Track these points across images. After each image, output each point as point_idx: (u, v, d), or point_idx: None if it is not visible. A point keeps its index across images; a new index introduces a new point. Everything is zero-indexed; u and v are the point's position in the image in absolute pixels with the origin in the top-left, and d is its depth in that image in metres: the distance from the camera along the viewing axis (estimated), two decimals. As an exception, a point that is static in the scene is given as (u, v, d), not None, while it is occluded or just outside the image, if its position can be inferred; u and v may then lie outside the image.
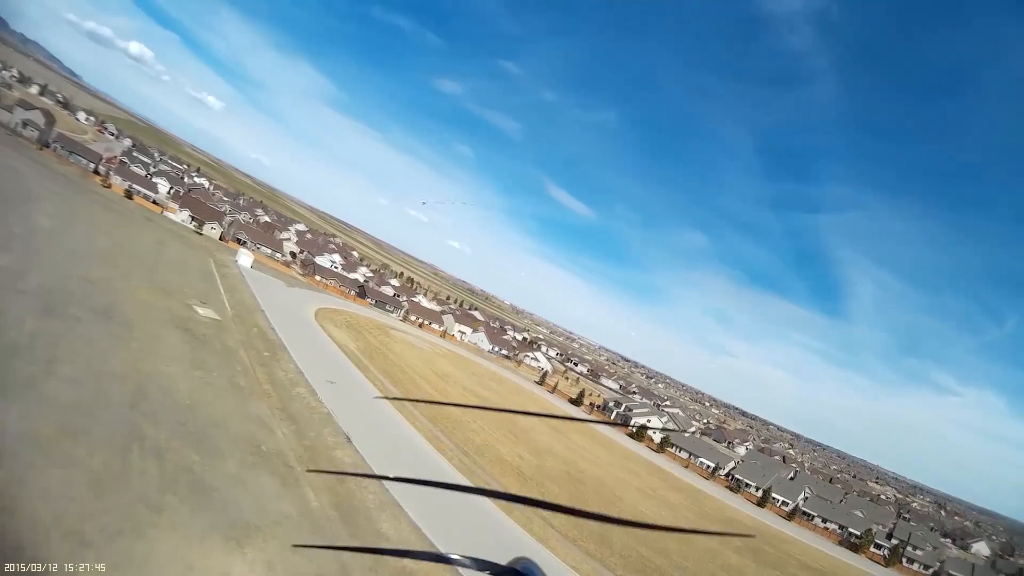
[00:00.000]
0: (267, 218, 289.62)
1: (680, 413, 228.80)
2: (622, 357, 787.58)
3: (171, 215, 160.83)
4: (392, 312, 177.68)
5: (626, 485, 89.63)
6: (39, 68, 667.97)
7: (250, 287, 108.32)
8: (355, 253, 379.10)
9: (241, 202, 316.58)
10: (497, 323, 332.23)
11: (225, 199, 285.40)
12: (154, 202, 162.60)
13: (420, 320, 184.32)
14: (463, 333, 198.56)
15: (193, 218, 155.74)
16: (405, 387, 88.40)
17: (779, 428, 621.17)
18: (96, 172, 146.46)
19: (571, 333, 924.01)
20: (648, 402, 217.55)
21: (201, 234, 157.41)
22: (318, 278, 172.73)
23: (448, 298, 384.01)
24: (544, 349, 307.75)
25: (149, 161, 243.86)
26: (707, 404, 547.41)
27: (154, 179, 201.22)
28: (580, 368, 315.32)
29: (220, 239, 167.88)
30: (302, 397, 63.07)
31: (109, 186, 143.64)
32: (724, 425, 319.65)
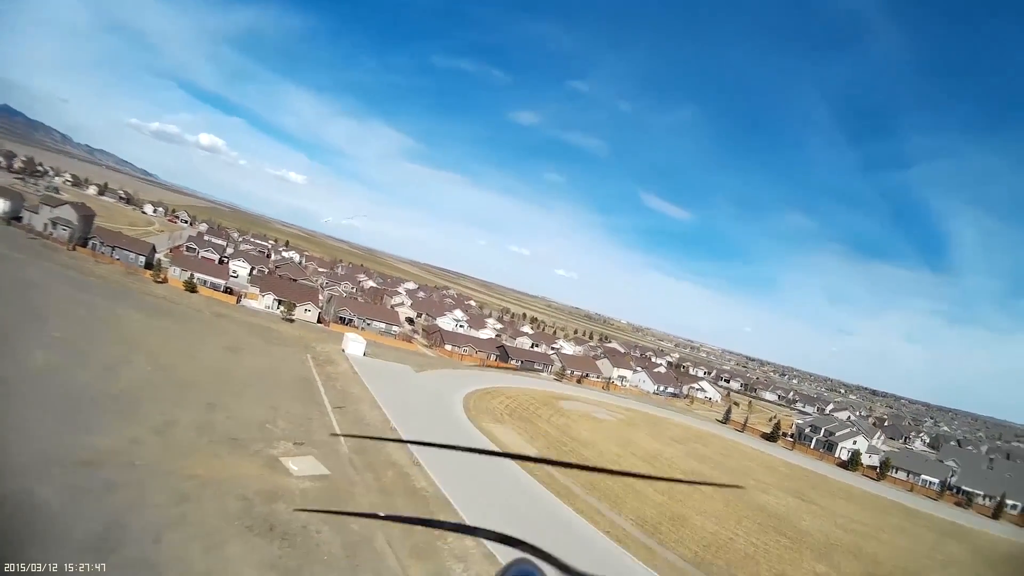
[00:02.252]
0: (371, 283, 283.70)
1: (850, 416, 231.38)
2: (747, 357, 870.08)
3: (252, 303, 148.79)
4: (542, 370, 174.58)
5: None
6: (108, 173, 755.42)
7: (368, 389, 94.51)
8: (472, 302, 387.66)
9: (340, 271, 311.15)
10: (637, 350, 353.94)
11: (321, 270, 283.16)
12: (227, 291, 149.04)
13: (576, 373, 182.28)
14: (623, 378, 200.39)
15: (280, 302, 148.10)
16: (633, 508, 70.74)
17: (910, 401, 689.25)
18: (148, 267, 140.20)
19: (692, 342, 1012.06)
20: (844, 419, 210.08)
21: (292, 320, 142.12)
22: (448, 347, 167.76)
23: (585, 335, 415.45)
24: (697, 371, 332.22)
25: (224, 243, 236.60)
26: (841, 391, 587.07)
27: (231, 263, 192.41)
28: (734, 385, 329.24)
29: (319, 322, 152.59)
30: None
31: (164, 280, 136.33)
32: (881, 416, 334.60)
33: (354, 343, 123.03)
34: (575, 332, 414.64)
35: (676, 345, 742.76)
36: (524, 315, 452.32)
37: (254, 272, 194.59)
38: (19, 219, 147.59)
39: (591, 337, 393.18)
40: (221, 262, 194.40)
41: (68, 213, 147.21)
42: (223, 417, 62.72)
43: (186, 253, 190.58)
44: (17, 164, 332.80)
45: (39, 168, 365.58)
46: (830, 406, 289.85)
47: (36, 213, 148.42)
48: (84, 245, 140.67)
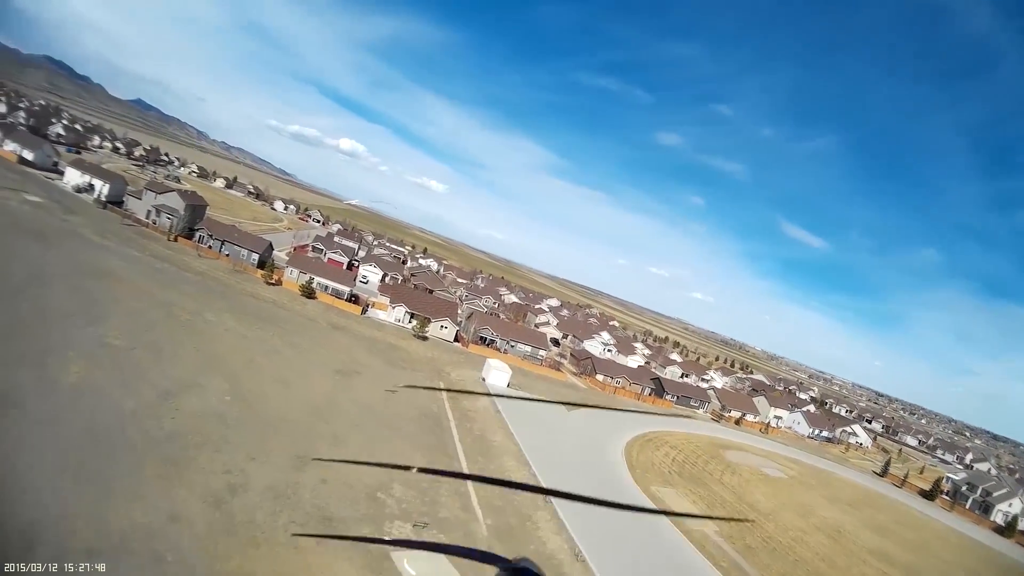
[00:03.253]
0: (514, 298, 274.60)
1: (992, 469, 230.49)
2: (876, 392, 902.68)
3: (379, 314, 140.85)
4: (697, 407, 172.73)
5: None
6: (243, 169, 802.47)
7: (513, 435, 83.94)
8: (615, 323, 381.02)
9: (480, 282, 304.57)
10: (781, 383, 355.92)
11: (460, 281, 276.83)
12: (351, 298, 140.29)
13: (734, 414, 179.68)
14: (779, 418, 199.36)
15: (412, 315, 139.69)
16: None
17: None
18: (261, 265, 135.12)
19: (824, 374, 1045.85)
20: (991, 473, 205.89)
21: (425, 338, 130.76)
22: (600, 376, 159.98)
23: (727, 362, 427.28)
24: (840, 410, 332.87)
25: (355, 246, 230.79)
26: (966, 434, 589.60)
27: (360, 268, 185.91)
28: (876, 427, 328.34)
29: (455, 341, 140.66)
30: None
31: (278, 282, 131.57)
32: (1010, 465, 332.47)
33: (497, 372, 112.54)
34: (716, 359, 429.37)
35: (810, 377, 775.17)
36: (667, 339, 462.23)
37: (386, 279, 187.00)
38: (119, 204, 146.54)
39: (733, 366, 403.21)
40: (350, 267, 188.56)
41: (174, 200, 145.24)
42: (315, 479, 47.00)
43: (310, 254, 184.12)
44: (138, 152, 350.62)
45: (163, 157, 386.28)
46: (969, 455, 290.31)
47: (139, 199, 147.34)
48: (189, 237, 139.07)
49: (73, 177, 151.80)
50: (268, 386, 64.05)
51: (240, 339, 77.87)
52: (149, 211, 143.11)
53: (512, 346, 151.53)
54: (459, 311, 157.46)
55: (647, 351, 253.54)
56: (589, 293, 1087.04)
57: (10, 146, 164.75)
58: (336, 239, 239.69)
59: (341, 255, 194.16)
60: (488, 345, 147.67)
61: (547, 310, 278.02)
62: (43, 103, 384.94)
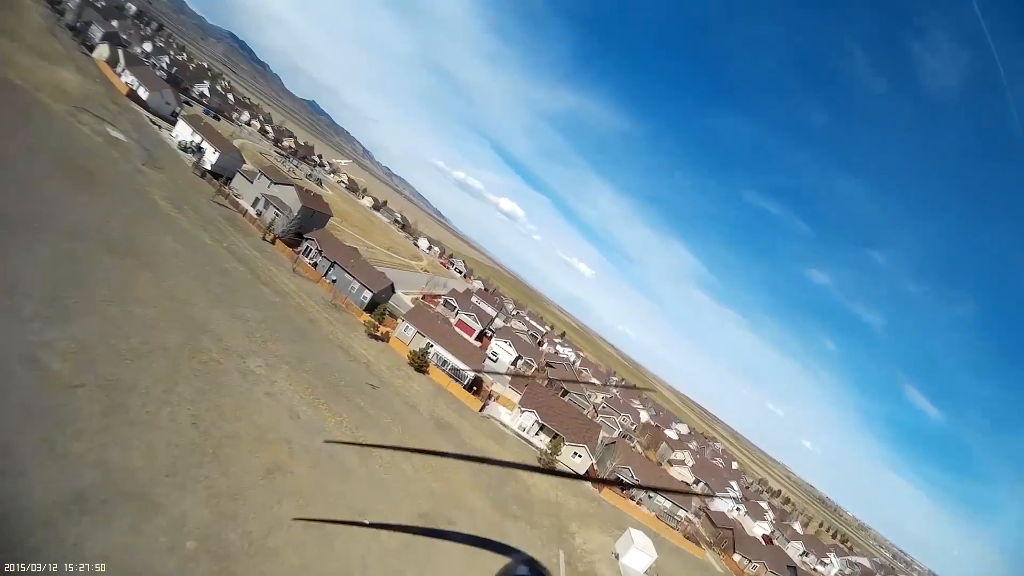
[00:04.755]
0: (644, 414, 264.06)
1: None
2: None
3: (502, 412, 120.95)
4: None
5: None
6: (398, 197, 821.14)
7: None
8: (735, 464, 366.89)
9: (615, 390, 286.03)
10: (882, 571, 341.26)
11: (595, 381, 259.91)
12: (472, 388, 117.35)
13: None
14: None
15: (542, 427, 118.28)
16: None
17: None
18: (371, 308, 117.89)
19: (904, 554, 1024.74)
20: None
21: (553, 472, 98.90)
22: (737, 558, 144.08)
23: (829, 531, 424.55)
24: None
25: (493, 312, 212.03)
26: None
27: (493, 341, 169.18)
28: None
29: (587, 477, 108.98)
30: None
31: (384, 337, 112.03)
32: None
33: (638, 554, 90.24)
34: (820, 525, 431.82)
35: (893, 556, 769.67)
36: (779, 493, 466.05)
37: (518, 363, 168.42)
38: (226, 180, 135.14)
39: (835, 536, 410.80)
40: (481, 336, 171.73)
41: (289, 195, 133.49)
42: None
43: (439, 308, 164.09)
44: (289, 143, 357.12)
45: (315, 158, 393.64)
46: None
47: (249, 181, 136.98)
48: (295, 245, 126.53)
49: (183, 132, 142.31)
50: (288, 535, 39.04)
51: (283, 418, 53.76)
52: (256, 199, 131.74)
53: (650, 497, 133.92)
54: (599, 439, 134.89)
55: (772, 515, 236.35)
56: (706, 416, 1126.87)
57: (127, 77, 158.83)
58: (474, 299, 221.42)
59: (475, 321, 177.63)
60: (623, 490, 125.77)
61: (676, 437, 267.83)
62: (204, 65, 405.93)
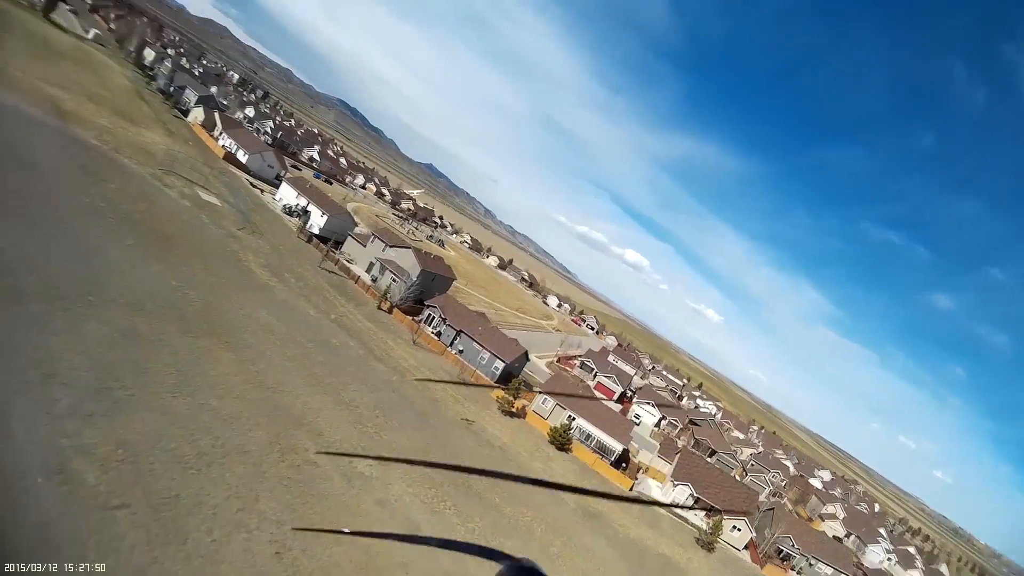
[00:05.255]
0: (791, 466, 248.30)
1: None
2: None
3: (652, 486, 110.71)
4: None
5: None
6: (524, 256, 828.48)
7: None
8: (877, 507, 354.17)
9: (757, 441, 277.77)
10: None
11: (737, 436, 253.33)
12: (620, 462, 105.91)
13: None
14: None
15: (696, 499, 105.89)
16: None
17: None
18: (506, 380, 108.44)
19: None
20: None
21: (712, 549, 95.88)
22: None
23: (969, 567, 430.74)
24: None
25: (632, 370, 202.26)
26: None
27: (634, 404, 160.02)
28: None
29: (744, 548, 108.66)
30: None
31: (520, 413, 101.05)
32: None
33: None
34: (959, 560, 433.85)
35: None
36: (920, 531, 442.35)
37: (662, 425, 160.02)
38: (335, 244, 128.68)
39: (972, 570, 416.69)
40: (622, 398, 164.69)
41: (406, 259, 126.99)
42: None
43: (576, 371, 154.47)
44: (407, 205, 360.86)
45: (435, 219, 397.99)
46: None
47: (362, 245, 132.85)
48: (415, 313, 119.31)
49: (287, 195, 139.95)
50: None
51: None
52: (371, 264, 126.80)
53: (810, 564, 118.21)
54: (759, 512, 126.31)
55: (918, 559, 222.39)
56: (842, 456, 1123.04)
57: (225, 141, 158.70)
58: (611, 358, 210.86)
59: (614, 382, 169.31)
60: (784, 561, 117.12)
61: (821, 485, 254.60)
62: (314, 131, 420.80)
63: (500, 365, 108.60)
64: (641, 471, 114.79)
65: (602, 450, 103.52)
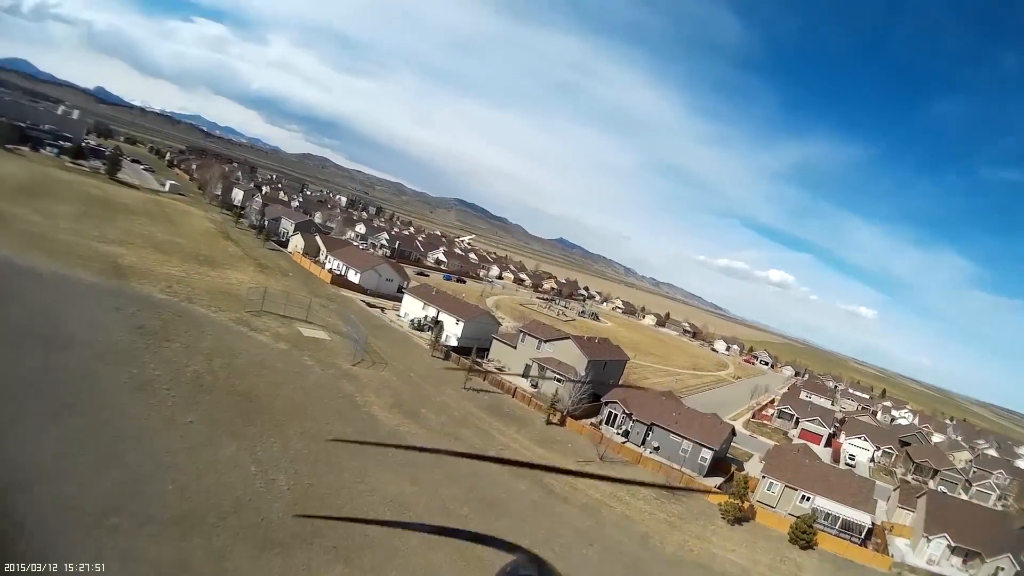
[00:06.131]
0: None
1: None
2: None
3: (903, 549, 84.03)
4: None
5: None
6: (675, 305, 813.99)
7: None
8: None
9: (957, 438, 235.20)
10: None
11: (939, 440, 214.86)
12: (865, 539, 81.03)
13: None
14: None
15: (954, 549, 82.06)
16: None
17: None
18: (713, 471, 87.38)
19: None
20: None
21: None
22: None
23: None
24: None
25: (828, 403, 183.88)
26: None
27: (845, 439, 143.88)
28: None
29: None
30: None
31: (749, 515, 76.55)
32: None
33: None
34: None
35: None
36: None
37: (875, 459, 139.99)
38: (480, 353, 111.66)
39: None
40: (830, 440, 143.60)
41: (568, 353, 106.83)
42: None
43: (775, 423, 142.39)
44: (548, 284, 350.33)
45: (582, 292, 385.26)
46: None
47: (512, 347, 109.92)
48: (591, 414, 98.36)
49: (411, 308, 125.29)
50: None
51: None
52: (527, 367, 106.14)
53: None
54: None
55: None
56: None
57: (332, 263, 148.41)
58: (803, 395, 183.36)
59: (819, 424, 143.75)
60: None
61: None
62: (437, 233, 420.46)
63: (708, 454, 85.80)
64: (887, 532, 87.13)
65: (846, 527, 77.63)
